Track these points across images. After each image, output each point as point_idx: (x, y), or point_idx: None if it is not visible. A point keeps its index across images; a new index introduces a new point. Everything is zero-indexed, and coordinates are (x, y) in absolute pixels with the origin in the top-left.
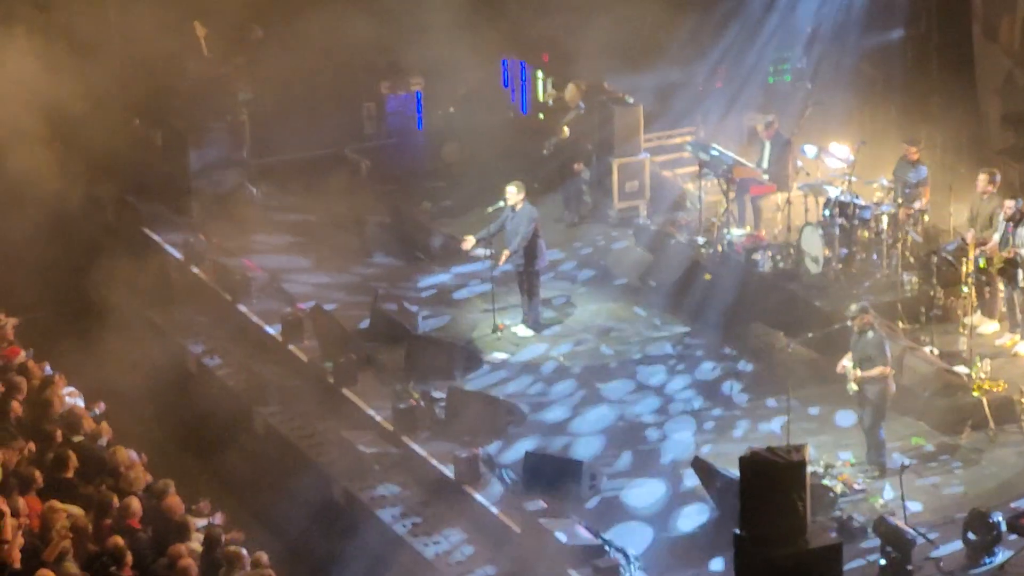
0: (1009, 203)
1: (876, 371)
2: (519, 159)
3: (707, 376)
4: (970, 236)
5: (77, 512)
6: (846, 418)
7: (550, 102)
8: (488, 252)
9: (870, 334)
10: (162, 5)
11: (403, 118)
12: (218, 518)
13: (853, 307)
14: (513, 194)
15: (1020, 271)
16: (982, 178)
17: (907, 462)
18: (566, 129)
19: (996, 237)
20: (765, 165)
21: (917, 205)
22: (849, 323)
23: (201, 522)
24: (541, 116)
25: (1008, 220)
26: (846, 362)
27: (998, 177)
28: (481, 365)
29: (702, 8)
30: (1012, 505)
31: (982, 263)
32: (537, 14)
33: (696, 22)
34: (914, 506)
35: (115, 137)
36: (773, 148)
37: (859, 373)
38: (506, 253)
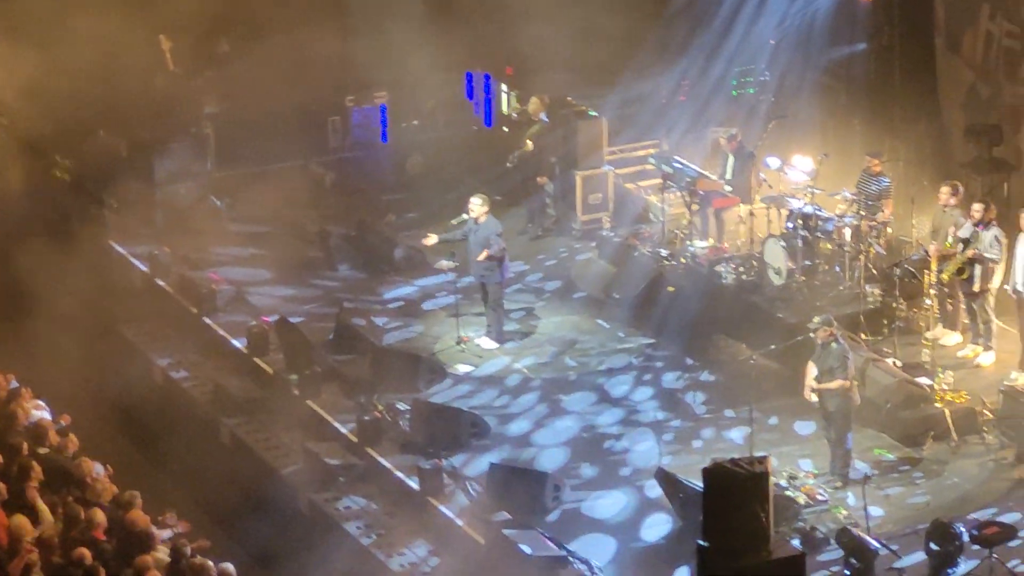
0: (977, 206)
1: (835, 384)
2: (483, 172)
3: (670, 387)
4: (932, 249)
5: (47, 519)
6: (808, 428)
7: (514, 115)
8: (453, 264)
9: (834, 346)
10: (129, 16)
11: (368, 131)
12: (182, 527)
13: (816, 319)
14: (477, 206)
15: (977, 272)
16: (944, 190)
17: (870, 473)
18: (529, 142)
19: (962, 235)
20: (728, 177)
21: (879, 217)
22: (812, 335)
23: (166, 533)
24: (505, 129)
25: (976, 224)
26: (810, 372)
27: (961, 190)
28: (445, 377)
29: (666, 22)
30: (974, 516)
31: (949, 243)
32: (501, 28)
33: (660, 36)
34: (877, 517)
35: (80, 147)
36: (736, 160)
37: (816, 384)
38: (485, 252)
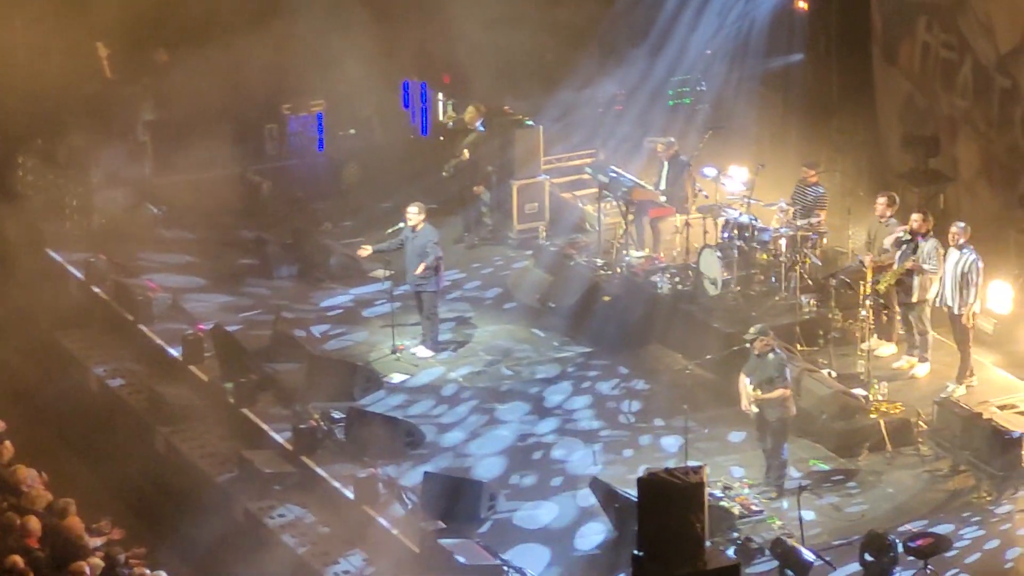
0: (915, 216)
1: (776, 393)
2: (420, 180)
3: (605, 397)
4: (868, 259)
5: None
6: (742, 438)
7: (450, 124)
8: (388, 273)
9: (771, 356)
10: (68, 23)
11: (304, 139)
12: (116, 534)
13: (753, 329)
14: (414, 215)
15: (915, 283)
16: (881, 201)
17: (805, 483)
18: (466, 151)
19: (890, 241)
20: (663, 186)
21: (815, 226)
22: (748, 345)
23: (100, 541)
24: (441, 138)
25: (913, 234)
26: (747, 383)
27: (897, 200)
28: (381, 386)
29: (603, 31)
30: (909, 527)
31: (886, 247)
32: (438, 37)
33: (597, 45)
34: (811, 527)
35: (18, 154)
36: (671, 169)
37: (758, 394)
38: (423, 265)
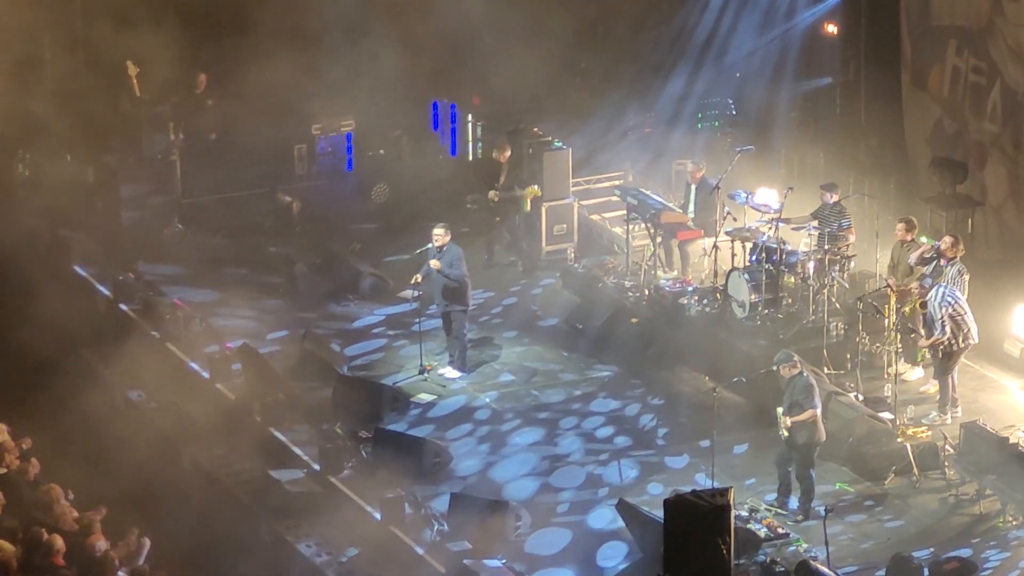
0: (947, 239)
1: (806, 414)
2: (448, 201)
3: (632, 419)
4: (891, 283)
5: (7, 547)
6: (769, 461)
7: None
8: (415, 293)
9: (798, 379)
10: (97, 42)
11: (334, 159)
12: (146, 544)
13: (779, 354)
14: (440, 236)
15: None
16: (900, 226)
17: (830, 507)
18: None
19: (915, 257)
20: (691, 209)
21: (842, 249)
22: (775, 368)
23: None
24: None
25: (941, 255)
26: (779, 410)
27: (915, 224)
28: (408, 406)
29: (632, 55)
30: (934, 551)
31: (921, 254)
32: (468, 60)
33: (626, 68)
34: (836, 550)
35: (47, 171)
36: (699, 193)
37: (789, 420)
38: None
